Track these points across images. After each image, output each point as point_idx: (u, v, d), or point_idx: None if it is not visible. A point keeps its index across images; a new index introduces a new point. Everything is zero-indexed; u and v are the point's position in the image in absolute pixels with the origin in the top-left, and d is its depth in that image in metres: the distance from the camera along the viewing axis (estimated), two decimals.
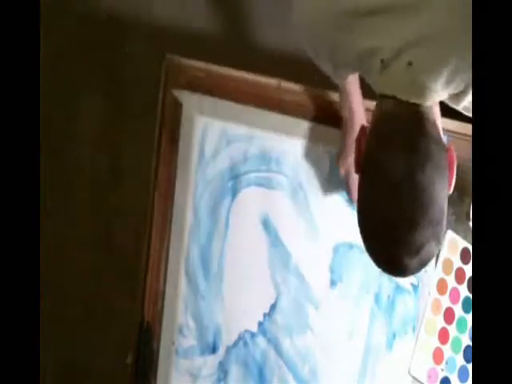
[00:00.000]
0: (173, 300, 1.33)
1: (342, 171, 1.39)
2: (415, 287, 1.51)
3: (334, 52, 1.15)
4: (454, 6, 1.02)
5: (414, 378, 1.50)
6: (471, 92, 1.08)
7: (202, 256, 1.36)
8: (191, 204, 1.35)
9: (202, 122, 1.38)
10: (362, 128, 1.17)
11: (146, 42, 1.85)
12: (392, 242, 1.05)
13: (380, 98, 1.13)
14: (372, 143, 1.11)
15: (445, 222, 1.08)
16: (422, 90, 1.08)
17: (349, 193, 1.42)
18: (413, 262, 1.05)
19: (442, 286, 1.53)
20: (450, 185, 1.11)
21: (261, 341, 1.39)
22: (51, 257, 1.59)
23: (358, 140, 1.15)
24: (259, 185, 1.40)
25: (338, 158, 1.40)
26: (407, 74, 1.07)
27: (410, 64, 1.06)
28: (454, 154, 1.13)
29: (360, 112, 1.37)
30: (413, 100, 1.08)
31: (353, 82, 1.35)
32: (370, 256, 1.11)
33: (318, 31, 1.15)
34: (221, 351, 1.36)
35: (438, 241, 1.08)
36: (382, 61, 1.08)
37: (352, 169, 1.28)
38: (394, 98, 1.10)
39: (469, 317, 1.54)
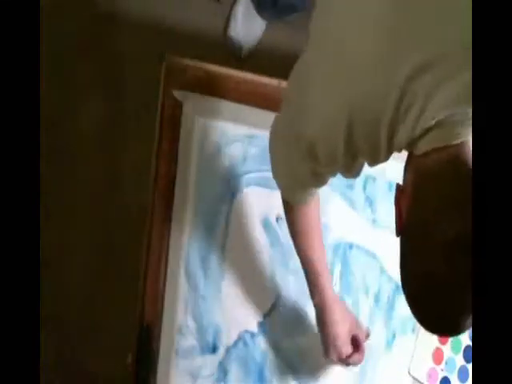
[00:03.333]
0: (173, 300, 1.33)
1: (335, 359, 1.34)
2: None
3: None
4: None
5: (413, 378, 1.50)
6: None
7: (201, 256, 1.36)
8: (191, 204, 1.35)
9: (202, 122, 1.38)
10: (398, 188, 1.02)
11: (145, 42, 1.85)
12: (450, 304, 0.96)
13: (415, 160, 1.00)
14: (415, 205, 0.98)
15: None
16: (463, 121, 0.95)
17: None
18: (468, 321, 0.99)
19: None
20: None
21: (261, 341, 1.39)
22: (51, 257, 1.59)
23: (398, 202, 1.01)
24: (259, 185, 1.40)
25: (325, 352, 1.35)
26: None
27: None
28: None
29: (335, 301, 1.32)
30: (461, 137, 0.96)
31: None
32: (420, 320, 1.04)
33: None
34: (221, 351, 1.36)
35: None
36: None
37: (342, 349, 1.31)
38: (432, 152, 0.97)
39: None
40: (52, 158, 1.69)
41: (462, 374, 1.53)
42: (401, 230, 1.00)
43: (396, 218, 1.01)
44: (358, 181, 1.48)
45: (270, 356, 1.39)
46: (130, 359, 1.31)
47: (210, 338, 1.35)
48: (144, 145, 1.36)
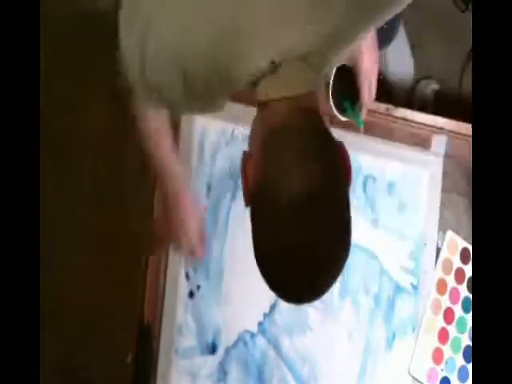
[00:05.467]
0: (173, 300, 1.33)
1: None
2: (415, 287, 1.51)
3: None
4: None
5: (413, 378, 1.50)
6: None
7: None
8: None
9: (202, 122, 1.38)
10: (245, 154, 0.96)
11: None
12: (303, 269, 0.90)
13: (259, 110, 0.98)
14: (261, 167, 0.92)
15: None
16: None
17: None
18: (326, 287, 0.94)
19: (441, 286, 1.53)
20: (348, 182, 0.94)
21: (260, 341, 1.39)
22: (51, 257, 1.59)
23: (245, 170, 0.95)
24: None
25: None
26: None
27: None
28: (345, 149, 0.96)
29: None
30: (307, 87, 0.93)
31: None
32: (276, 287, 0.97)
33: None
34: (220, 351, 1.36)
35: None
36: (273, 63, 0.93)
37: None
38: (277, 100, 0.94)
39: (469, 317, 1.54)
40: (52, 158, 1.69)
41: (462, 373, 1.53)
42: (249, 200, 0.94)
43: (243, 188, 0.95)
44: (358, 181, 1.48)
45: (270, 356, 1.39)
46: (130, 359, 1.31)
47: (209, 338, 1.35)
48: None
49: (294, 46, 0.93)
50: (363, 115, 1.26)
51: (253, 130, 0.98)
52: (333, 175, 0.91)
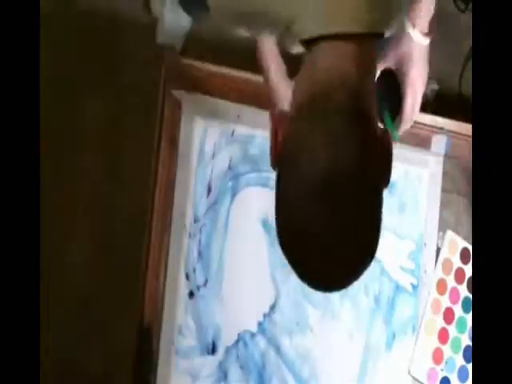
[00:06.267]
0: (173, 300, 1.33)
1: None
2: (415, 287, 1.51)
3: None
4: None
5: (413, 378, 1.50)
6: None
7: (201, 256, 1.36)
8: (191, 204, 1.35)
9: (202, 122, 1.38)
10: (278, 113, 0.91)
11: (145, 42, 1.85)
12: (319, 255, 0.83)
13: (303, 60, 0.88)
14: (292, 129, 0.85)
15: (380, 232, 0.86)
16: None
17: None
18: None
19: (441, 286, 1.53)
20: (386, 180, 0.89)
21: (260, 341, 1.39)
22: (51, 257, 1.59)
23: (274, 127, 0.88)
24: (259, 185, 1.40)
25: None
26: None
27: None
28: (391, 139, 0.89)
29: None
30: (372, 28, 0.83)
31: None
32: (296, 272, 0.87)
33: None
34: (220, 351, 1.36)
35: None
36: None
37: None
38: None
39: (469, 317, 1.54)
40: (52, 158, 1.69)
41: (462, 373, 1.53)
42: (275, 161, 0.87)
43: (272, 147, 0.88)
44: None
45: (270, 356, 1.39)
46: (130, 359, 1.31)
47: (209, 339, 1.35)
48: (144, 145, 1.36)
49: None
50: (401, 130, 1.18)
51: (296, 86, 0.88)
52: (364, 167, 0.83)
